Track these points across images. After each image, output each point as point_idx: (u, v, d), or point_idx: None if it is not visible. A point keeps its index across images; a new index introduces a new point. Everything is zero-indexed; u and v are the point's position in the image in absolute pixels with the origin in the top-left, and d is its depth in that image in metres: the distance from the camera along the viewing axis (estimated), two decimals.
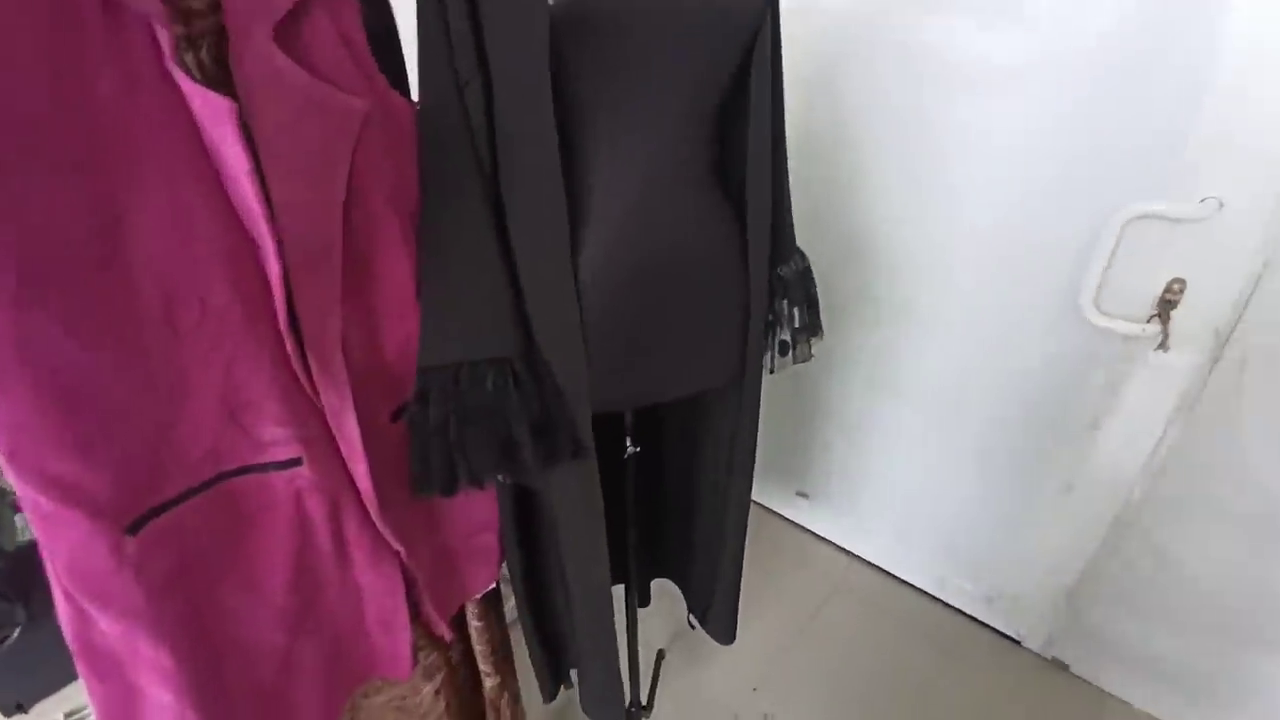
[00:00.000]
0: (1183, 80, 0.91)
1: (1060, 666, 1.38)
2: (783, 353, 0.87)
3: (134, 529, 0.56)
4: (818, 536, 1.76)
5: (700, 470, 0.99)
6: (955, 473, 1.42)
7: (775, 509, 1.83)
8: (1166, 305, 1.00)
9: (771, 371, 0.87)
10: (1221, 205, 0.91)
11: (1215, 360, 1.01)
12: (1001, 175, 1.12)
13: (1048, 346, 1.18)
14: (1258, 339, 0.96)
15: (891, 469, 1.53)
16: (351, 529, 0.69)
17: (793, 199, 0.86)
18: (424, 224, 0.66)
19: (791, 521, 1.81)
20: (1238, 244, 0.92)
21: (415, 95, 0.65)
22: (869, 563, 1.67)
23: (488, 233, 0.65)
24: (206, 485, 0.60)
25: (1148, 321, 1.03)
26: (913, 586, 1.60)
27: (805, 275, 0.88)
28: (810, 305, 0.89)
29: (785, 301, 0.86)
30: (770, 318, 0.86)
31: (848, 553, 1.70)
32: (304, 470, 0.63)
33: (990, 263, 1.19)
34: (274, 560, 0.66)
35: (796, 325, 0.87)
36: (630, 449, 0.91)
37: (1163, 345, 1.03)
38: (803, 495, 1.75)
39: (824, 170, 1.31)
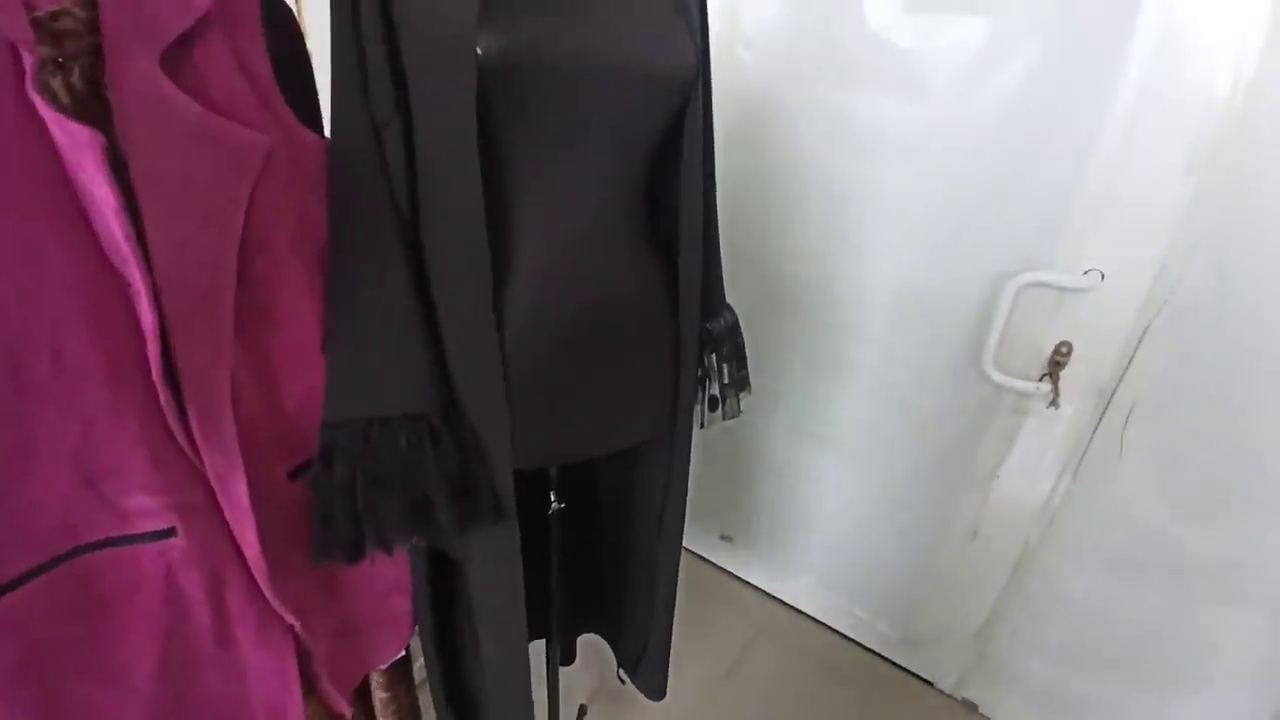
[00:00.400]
0: (1072, 152, 0.99)
1: (970, 707, 1.43)
2: (712, 408, 0.87)
3: None
4: (741, 580, 1.76)
5: (630, 525, 0.96)
6: (872, 517, 1.46)
7: (699, 552, 1.81)
8: (1055, 366, 1.08)
9: (702, 426, 0.87)
10: (1103, 277, 1.00)
11: (1100, 416, 1.09)
12: (910, 236, 1.19)
13: (954, 399, 1.25)
14: (1138, 398, 1.05)
15: (813, 513, 1.56)
16: (235, 603, 0.62)
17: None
18: (334, 269, 0.61)
19: (715, 565, 1.80)
20: (1119, 311, 1.01)
21: (328, 132, 0.61)
22: (791, 606, 1.68)
23: (404, 280, 0.61)
24: (58, 561, 0.52)
25: (1040, 380, 1.11)
26: (833, 629, 1.62)
27: (734, 330, 0.88)
28: (739, 360, 0.89)
29: (714, 356, 0.86)
30: (700, 372, 0.85)
31: (770, 596, 1.71)
32: (179, 542, 0.55)
33: (902, 318, 1.25)
34: (140, 645, 0.57)
35: (726, 380, 0.87)
36: (555, 505, 0.87)
37: (1054, 402, 1.10)
38: (726, 539, 1.75)
39: (747, 224, 1.35)
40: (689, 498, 0.90)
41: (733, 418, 0.89)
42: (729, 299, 0.90)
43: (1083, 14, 0.95)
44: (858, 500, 1.47)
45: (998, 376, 1.13)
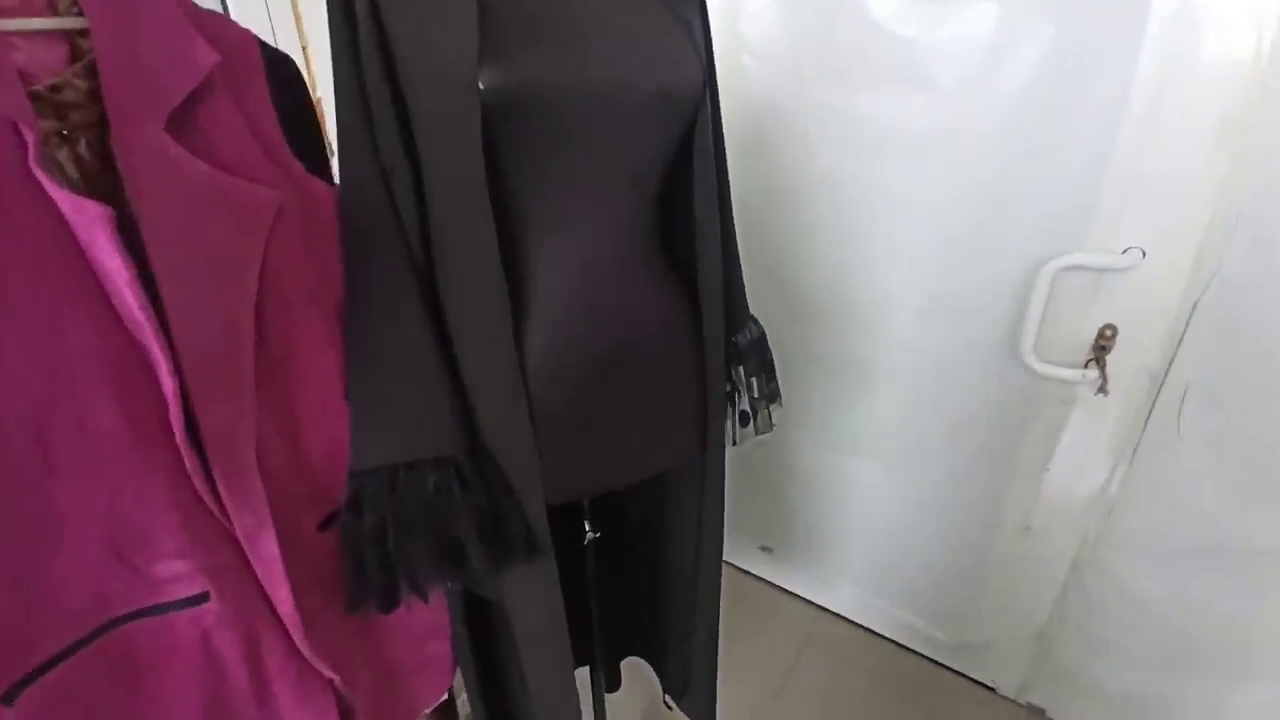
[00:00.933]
0: (1097, 130, 0.95)
1: (1037, 712, 1.36)
2: (743, 423, 0.84)
3: (10, 697, 0.47)
4: (784, 591, 1.71)
5: (667, 549, 0.94)
6: (915, 520, 1.41)
7: (740, 565, 1.78)
8: (1101, 350, 1.03)
9: (734, 443, 0.84)
10: (1144, 254, 0.95)
11: (1153, 400, 1.04)
12: (933, 231, 1.15)
13: (992, 393, 1.20)
14: (1192, 378, 0.99)
15: (851, 520, 1.52)
16: (273, 663, 0.60)
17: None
18: (351, 318, 0.60)
19: (757, 576, 1.76)
20: (1164, 289, 0.96)
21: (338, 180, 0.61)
22: (839, 615, 1.63)
23: (422, 325, 0.60)
24: (94, 635, 0.51)
25: (1085, 367, 1.06)
26: (884, 638, 1.56)
27: (760, 342, 0.86)
28: (768, 373, 0.86)
29: (742, 370, 0.83)
30: (728, 388, 0.83)
31: (816, 606, 1.66)
32: (212, 605, 0.54)
33: (930, 315, 1.21)
34: (180, 712, 0.56)
35: (755, 394, 0.84)
36: (590, 534, 0.85)
37: (1102, 389, 1.05)
38: (766, 549, 1.71)
39: (761, 233, 1.32)
40: (725, 511, 0.87)
41: (765, 432, 0.86)
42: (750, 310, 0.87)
43: None
44: (899, 503, 1.42)
45: (1040, 366, 1.08)
